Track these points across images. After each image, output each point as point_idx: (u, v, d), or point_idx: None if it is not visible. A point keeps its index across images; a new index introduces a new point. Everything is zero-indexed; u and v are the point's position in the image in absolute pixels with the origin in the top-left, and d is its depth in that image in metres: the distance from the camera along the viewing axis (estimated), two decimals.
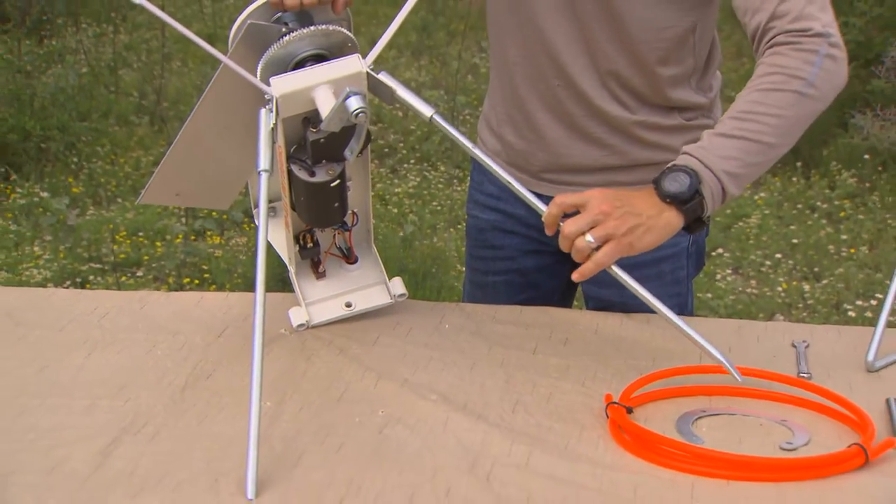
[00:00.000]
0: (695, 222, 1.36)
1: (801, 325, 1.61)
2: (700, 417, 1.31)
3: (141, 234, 4.47)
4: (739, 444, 1.25)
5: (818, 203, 4.73)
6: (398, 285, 1.59)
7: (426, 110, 1.38)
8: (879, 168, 4.92)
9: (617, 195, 1.33)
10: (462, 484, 1.15)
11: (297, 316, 1.55)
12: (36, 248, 4.32)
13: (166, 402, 1.33)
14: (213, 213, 4.60)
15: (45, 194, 4.79)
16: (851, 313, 3.73)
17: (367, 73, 1.35)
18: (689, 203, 1.33)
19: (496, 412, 1.32)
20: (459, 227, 4.59)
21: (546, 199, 1.59)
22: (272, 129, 1.34)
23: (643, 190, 1.36)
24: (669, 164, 1.36)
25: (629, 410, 1.30)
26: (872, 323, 1.43)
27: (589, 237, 1.30)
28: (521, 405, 1.34)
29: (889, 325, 1.47)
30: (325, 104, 1.32)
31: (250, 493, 1.12)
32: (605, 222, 1.30)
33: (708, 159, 1.34)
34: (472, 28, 7.48)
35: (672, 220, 1.34)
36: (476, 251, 1.83)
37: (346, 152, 1.38)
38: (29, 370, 1.41)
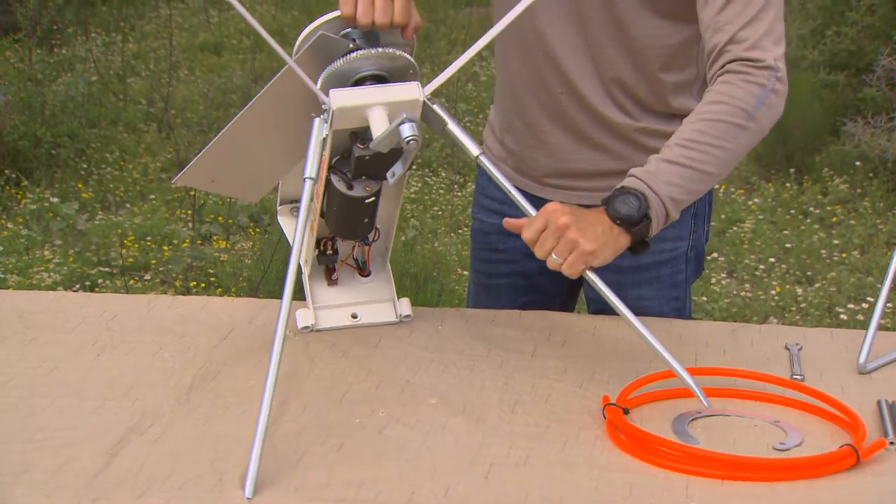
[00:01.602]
0: (639, 243, 1.40)
1: (795, 328, 1.63)
2: (695, 418, 1.33)
3: (149, 238, 4.51)
4: (734, 444, 1.27)
5: (811, 208, 4.77)
6: (405, 306, 1.62)
7: (473, 149, 1.41)
8: (871, 175, 4.96)
9: (572, 209, 1.37)
10: (461, 483, 1.18)
11: (304, 318, 1.58)
12: (46, 253, 4.36)
13: (172, 402, 1.36)
14: (220, 218, 4.63)
15: (55, 199, 4.83)
16: (843, 316, 3.75)
17: (424, 101, 1.38)
18: (638, 225, 1.38)
19: (495, 413, 1.34)
20: (460, 231, 4.62)
21: None
22: (324, 139, 1.37)
23: (594, 209, 1.40)
24: (619, 186, 1.40)
25: (626, 411, 1.32)
26: (864, 326, 1.45)
27: (554, 256, 1.36)
28: (520, 406, 1.36)
29: (880, 327, 1.49)
30: (379, 125, 1.35)
31: (248, 492, 1.14)
32: (565, 236, 1.35)
33: (655, 184, 1.39)
34: (473, 37, 7.50)
35: (621, 239, 1.38)
36: (480, 254, 1.86)
37: (388, 174, 1.42)
38: (39, 371, 1.44)
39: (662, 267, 1.73)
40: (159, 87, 6.33)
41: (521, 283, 1.81)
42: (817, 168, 5.08)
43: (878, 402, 1.35)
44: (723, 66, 1.44)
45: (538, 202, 1.69)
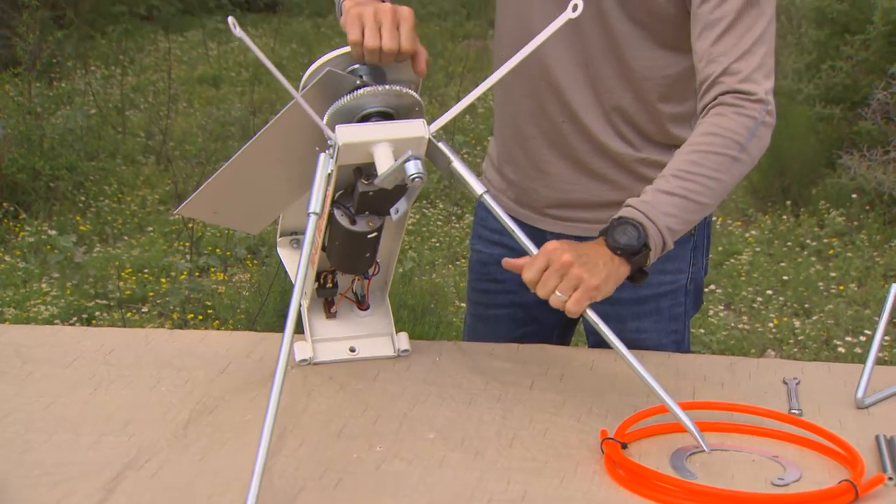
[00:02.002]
0: (638, 272, 1.41)
1: (792, 362, 1.63)
2: (694, 453, 1.33)
3: (146, 270, 4.51)
4: (732, 479, 1.27)
5: (808, 241, 4.78)
6: (404, 340, 1.62)
7: (478, 188, 1.41)
8: (867, 207, 4.98)
9: (573, 246, 1.38)
10: None
11: (302, 350, 1.58)
12: (43, 285, 4.36)
13: (169, 437, 1.36)
14: (217, 250, 4.63)
15: (52, 232, 4.84)
16: (841, 349, 3.76)
17: (429, 139, 1.39)
18: (638, 255, 1.39)
19: (493, 447, 1.34)
20: (458, 263, 4.62)
21: (552, 235, 1.63)
22: (329, 174, 1.38)
23: (591, 243, 1.40)
24: (617, 217, 1.41)
25: (624, 446, 1.32)
26: (861, 359, 1.46)
27: (558, 293, 1.35)
28: (518, 440, 1.36)
29: (878, 361, 1.49)
30: (384, 161, 1.36)
31: None
32: (569, 273, 1.35)
33: (653, 214, 1.40)
34: (470, 70, 7.56)
35: (621, 269, 1.39)
36: (479, 285, 1.86)
37: (392, 211, 1.43)
38: (36, 406, 1.44)
39: (662, 299, 1.74)
40: (158, 119, 6.36)
41: (519, 314, 1.81)
42: (814, 200, 5.11)
43: (877, 438, 1.35)
44: (715, 98, 1.46)
45: (538, 233, 1.70)
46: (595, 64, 1.59)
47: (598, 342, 1.71)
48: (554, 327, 1.82)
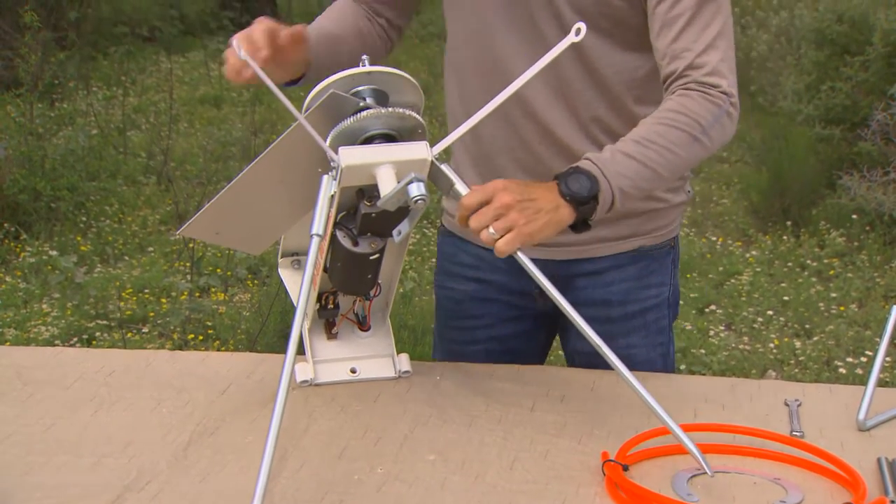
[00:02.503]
0: (581, 224, 1.43)
1: (794, 384, 1.63)
2: (695, 475, 1.32)
3: (147, 290, 4.51)
4: (734, 501, 1.26)
5: (808, 261, 4.78)
6: (405, 362, 1.62)
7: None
8: (867, 228, 4.99)
9: (519, 187, 1.39)
10: None
11: (303, 372, 1.58)
12: (44, 306, 4.36)
13: (170, 459, 1.36)
14: (218, 270, 4.63)
15: (53, 253, 4.84)
16: (842, 370, 3.75)
17: (432, 161, 1.40)
18: (586, 205, 1.41)
19: (494, 469, 1.34)
20: None
21: (536, 262, 1.63)
22: (332, 196, 1.38)
23: (544, 184, 1.42)
24: (573, 166, 1.43)
25: (625, 468, 1.31)
26: (863, 379, 1.46)
27: (491, 230, 1.36)
28: (519, 462, 1.36)
29: (879, 382, 1.49)
30: (387, 183, 1.37)
31: None
32: (507, 215, 1.36)
33: (608, 171, 1.42)
34: None
35: (565, 216, 1.40)
36: (453, 322, 1.82)
37: (395, 233, 1.43)
38: (36, 429, 1.44)
39: (648, 314, 1.75)
40: (159, 139, 6.38)
41: (496, 348, 1.79)
42: (814, 221, 5.11)
43: (879, 460, 1.35)
44: (683, 85, 1.50)
45: (519, 264, 1.69)
46: (566, 80, 1.60)
47: (585, 361, 1.70)
48: (531, 358, 1.82)
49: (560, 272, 1.69)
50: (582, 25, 1.39)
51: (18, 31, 6.30)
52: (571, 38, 1.40)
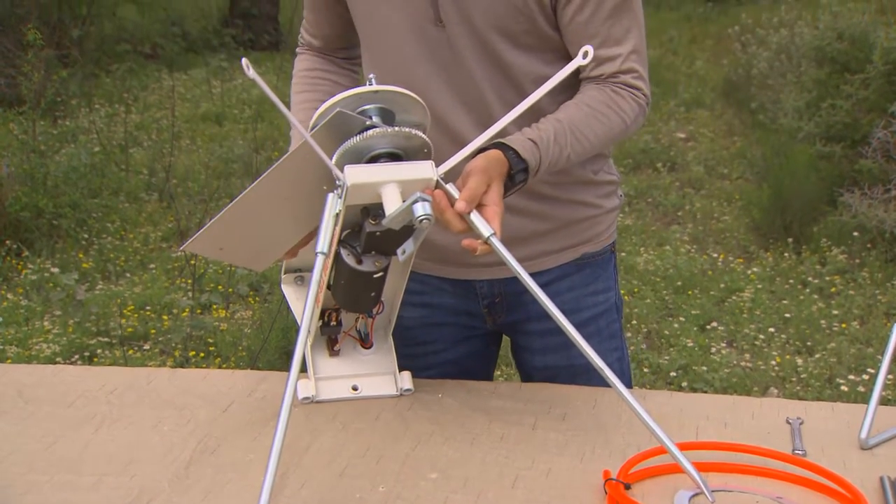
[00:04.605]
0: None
1: (796, 402, 1.63)
2: (697, 494, 1.32)
3: (148, 307, 4.51)
4: None
5: (809, 278, 4.78)
6: (406, 380, 1.62)
7: (485, 230, 1.40)
8: (868, 245, 4.99)
9: (495, 182, 1.42)
10: None
11: (305, 388, 1.58)
12: (46, 323, 4.36)
13: (171, 477, 1.35)
14: (220, 287, 4.64)
15: (55, 270, 4.84)
16: (844, 388, 3.74)
17: (437, 181, 1.40)
18: (510, 188, 1.47)
19: (495, 488, 1.34)
20: None
21: (482, 284, 1.68)
22: (337, 214, 1.39)
23: (497, 163, 1.44)
24: (520, 150, 1.46)
25: (627, 486, 1.31)
26: (865, 397, 1.46)
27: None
28: (521, 481, 1.36)
29: (882, 400, 1.49)
30: (392, 202, 1.37)
31: None
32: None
33: (542, 163, 1.49)
34: None
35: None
36: (405, 350, 1.75)
37: (399, 252, 1.43)
38: (37, 447, 1.44)
39: (600, 319, 1.76)
40: (161, 157, 6.39)
41: (451, 370, 1.79)
42: (815, 238, 5.11)
43: (881, 479, 1.34)
44: (615, 82, 1.57)
45: (468, 285, 1.72)
46: (489, 104, 1.60)
47: (546, 376, 1.72)
48: (483, 374, 1.83)
49: (507, 289, 1.71)
50: (589, 49, 1.41)
51: (21, 49, 6.32)
52: (579, 60, 1.42)
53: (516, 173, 1.46)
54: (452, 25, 1.57)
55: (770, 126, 6.49)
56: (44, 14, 8.04)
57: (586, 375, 1.59)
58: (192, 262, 4.72)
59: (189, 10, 11.24)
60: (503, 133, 1.47)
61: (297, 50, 1.84)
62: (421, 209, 1.34)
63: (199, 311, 4.47)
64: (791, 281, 4.80)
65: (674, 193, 6.08)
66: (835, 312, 4.41)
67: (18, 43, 6.80)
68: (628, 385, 1.84)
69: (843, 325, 4.28)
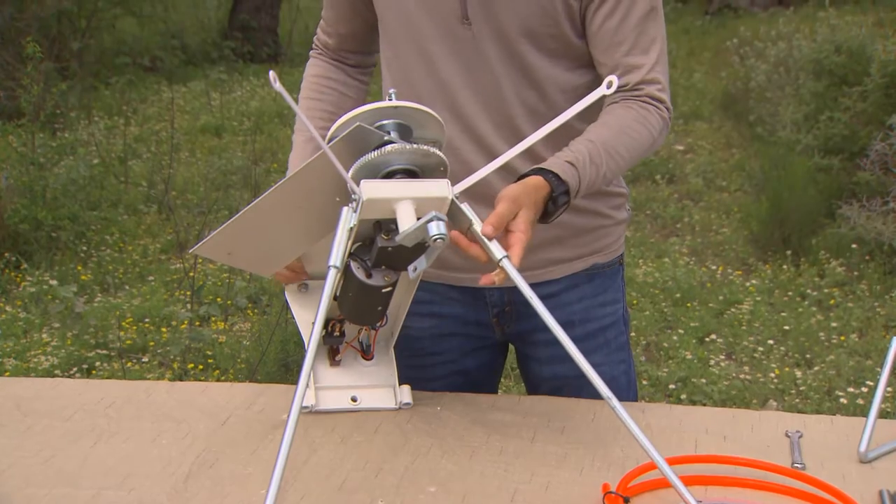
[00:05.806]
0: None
1: (795, 415, 1.62)
2: None
3: (147, 320, 4.51)
4: None
5: (808, 291, 4.78)
6: (406, 393, 1.62)
7: (498, 252, 1.39)
8: (867, 257, 5.00)
9: (525, 212, 1.41)
10: None
11: (305, 398, 1.57)
12: (44, 336, 4.35)
13: (169, 491, 1.35)
14: (218, 299, 4.64)
15: (53, 282, 4.84)
16: (843, 400, 3.74)
17: (453, 200, 1.40)
18: (554, 212, 1.48)
19: (494, 502, 1.33)
20: None
21: (492, 293, 1.67)
22: (351, 228, 1.39)
23: (533, 191, 1.44)
24: (559, 170, 1.46)
25: (626, 500, 1.31)
26: (864, 409, 1.46)
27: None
28: (520, 495, 1.35)
29: (881, 413, 1.49)
30: (406, 219, 1.37)
31: None
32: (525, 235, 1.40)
33: (581, 184, 1.49)
34: None
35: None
36: (413, 361, 1.77)
37: (410, 269, 1.43)
38: (35, 460, 1.43)
39: (608, 331, 1.77)
40: (160, 169, 6.40)
41: (459, 381, 1.79)
42: (814, 250, 5.12)
43: (880, 492, 1.34)
44: (640, 95, 1.58)
45: (478, 293, 1.71)
46: (510, 106, 1.61)
47: (554, 388, 1.72)
48: (489, 386, 1.83)
49: (516, 298, 1.71)
50: (614, 79, 1.41)
51: (21, 62, 6.33)
52: (603, 90, 1.42)
53: (558, 196, 1.46)
54: (479, 24, 1.58)
55: (768, 138, 6.50)
56: (43, 27, 8.05)
57: (593, 386, 1.58)
58: (191, 274, 4.72)
59: (188, 22, 11.28)
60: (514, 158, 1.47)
61: (311, 53, 1.84)
62: (435, 228, 1.33)
63: (197, 323, 4.47)
64: (790, 293, 4.80)
65: (672, 205, 6.08)
66: (833, 325, 4.41)
67: (18, 55, 6.82)
68: (634, 398, 1.84)
69: (842, 338, 4.28)
